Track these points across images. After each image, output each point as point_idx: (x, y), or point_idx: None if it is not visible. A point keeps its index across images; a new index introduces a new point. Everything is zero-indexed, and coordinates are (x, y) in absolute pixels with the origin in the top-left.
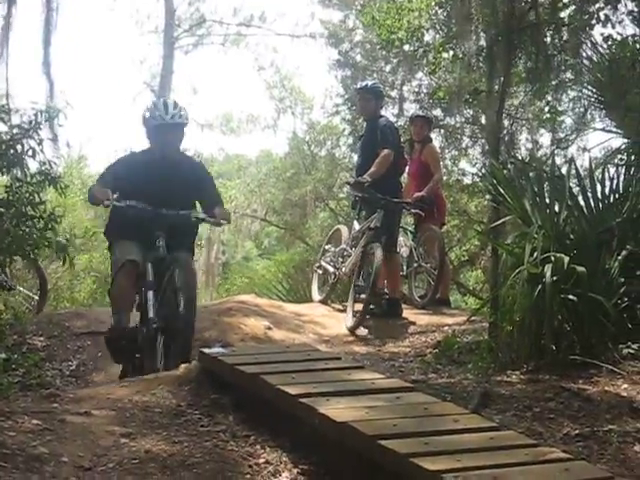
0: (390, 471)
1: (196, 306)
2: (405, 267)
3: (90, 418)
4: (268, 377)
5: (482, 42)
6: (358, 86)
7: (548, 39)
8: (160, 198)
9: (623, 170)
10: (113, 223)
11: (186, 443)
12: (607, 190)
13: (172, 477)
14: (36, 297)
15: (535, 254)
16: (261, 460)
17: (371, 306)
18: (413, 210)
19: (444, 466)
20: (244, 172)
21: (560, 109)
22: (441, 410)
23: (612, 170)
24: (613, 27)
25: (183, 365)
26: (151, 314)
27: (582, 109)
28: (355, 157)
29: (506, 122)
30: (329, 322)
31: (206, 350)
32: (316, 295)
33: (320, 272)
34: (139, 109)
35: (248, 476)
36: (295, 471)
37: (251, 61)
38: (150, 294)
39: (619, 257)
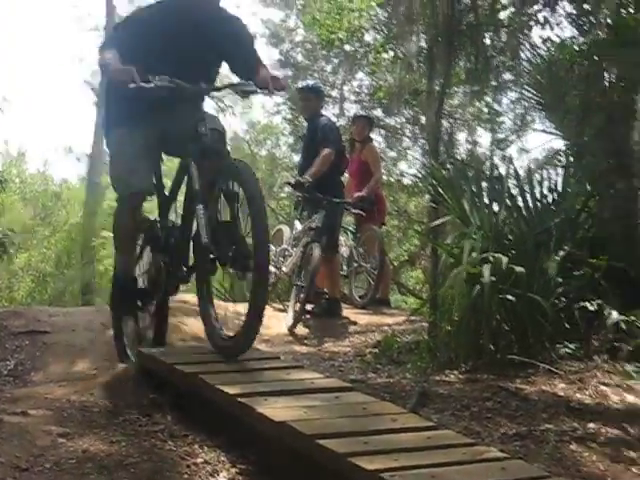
0: (329, 470)
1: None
2: (345, 267)
3: (27, 418)
4: (207, 376)
5: (422, 43)
6: (299, 86)
7: (487, 40)
8: (182, 68)
9: (562, 171)
10: (114, 113)
11: (124, 443)
12: (545, 191)
13: (109, 477)
14: None
15: (474, 254)
16: (199, 460)
17: (311, 306)
18: (354, 210)
19: (382, 465)
20: None
21: (500, 110)
22: (380, 410)
23: (552, 171)
24: (552, 29)
25: (121, 365)
26: (204, 237)
27: (522, 110)
28: (296, 157)
29: (445, 123)
30: (269, 322)
31: (145, 349)
32: None
33: None
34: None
35: (186, 476)
36: (233, 471)
37: None
38: (200, 208)
39: (557, 257)
